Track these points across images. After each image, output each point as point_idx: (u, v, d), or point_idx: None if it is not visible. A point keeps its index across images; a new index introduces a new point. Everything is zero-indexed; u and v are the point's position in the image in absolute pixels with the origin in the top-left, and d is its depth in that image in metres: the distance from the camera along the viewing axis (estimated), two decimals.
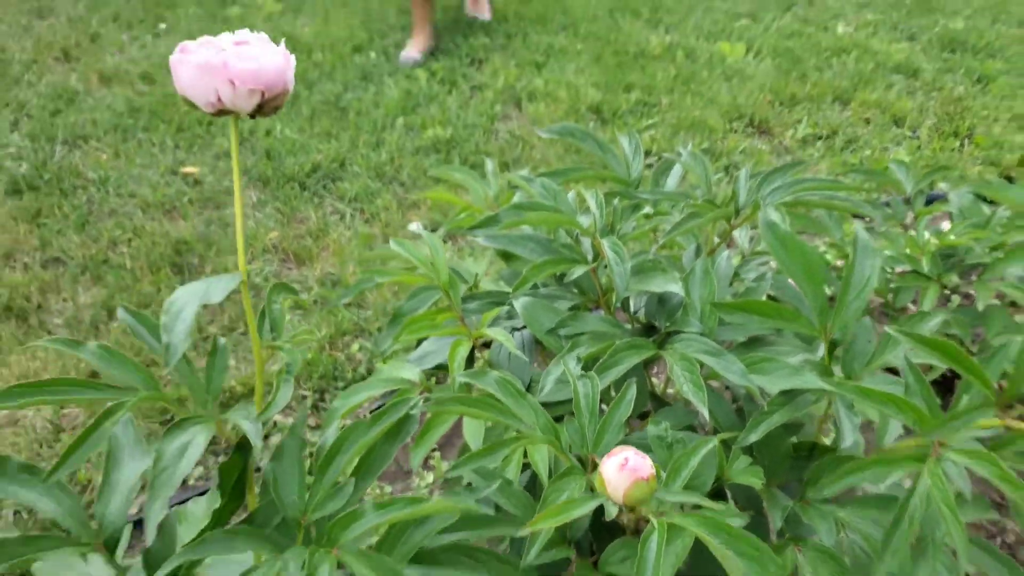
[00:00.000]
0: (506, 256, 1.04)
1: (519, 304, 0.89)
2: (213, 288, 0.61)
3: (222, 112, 0.59)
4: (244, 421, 0.61)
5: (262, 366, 0.69)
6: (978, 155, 2.25)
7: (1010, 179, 2.19)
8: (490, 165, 1.15)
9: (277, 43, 0.61)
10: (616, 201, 0.96)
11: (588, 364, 0.82)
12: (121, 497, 0.69)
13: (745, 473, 0.78)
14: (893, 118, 2.39)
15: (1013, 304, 1.39)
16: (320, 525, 0.63)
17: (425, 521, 0.64)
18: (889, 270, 1.31)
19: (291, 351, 0.66)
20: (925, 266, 1.24)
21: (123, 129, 2.14)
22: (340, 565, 0.59)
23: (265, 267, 1.68)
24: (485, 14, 2.90)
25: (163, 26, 2.70)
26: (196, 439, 0.61)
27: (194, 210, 1.84)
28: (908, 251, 1.27)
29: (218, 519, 0.68)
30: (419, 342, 0.97)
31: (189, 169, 1.97)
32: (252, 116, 0.60)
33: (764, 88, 2.47)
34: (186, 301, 0.61)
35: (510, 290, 0.94)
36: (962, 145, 2.29)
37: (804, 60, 2.68)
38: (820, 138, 2.26)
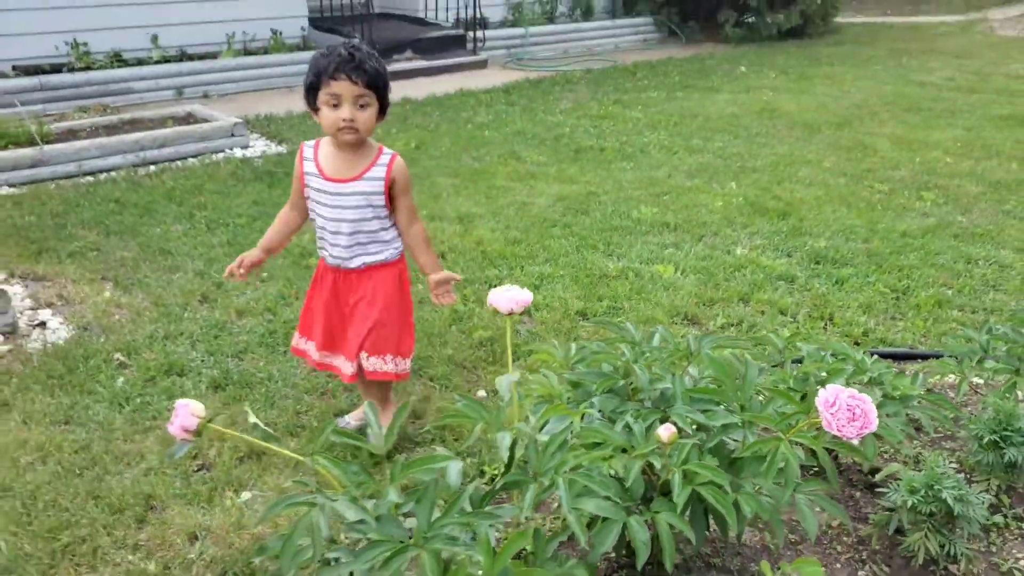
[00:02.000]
0: (574, 385, 2.05)
1: (597, 399, 1.91)
2: (511, 377, 1.62)
3: (511, 313, 1.64)
4: (526, 428, 1.59)
5: (516, 413, 1.68)
6: (836, 331, 3.40)
7: (857, 343, 3.33)
8: (556, 343, 2.19)
9: None
10: (632, 350, 2.02)
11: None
12: (456, 472, 1.64)
13: (709, 460, 1.79)
14: (779, 310, 3.56)
15: None
16: (547, 471, 1.60)
17: (592, 473, 1.62)
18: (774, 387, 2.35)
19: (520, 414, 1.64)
20: (791, 384, 2.30)
21: (268, 345, 3.15)
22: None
23: None
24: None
25: (265, 275, 3.78)
26: (506, 436, 1.59)
27: (340, 391, 2.82)
28: (784, 378, 2.33)
29: (505, 474, 1.63)
30: (544, 423, 1.96)
31: None
32: (520, 314, 1.64)
33: (691, 294, 3.64)
34: (503, 381, 1.61)
35: (588, 397, 1.96)
36: (826, 325, 3.46)
37: (716, 274, 3.89)
38: (732, 325, 3.40)
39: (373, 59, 2.28)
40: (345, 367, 2.50)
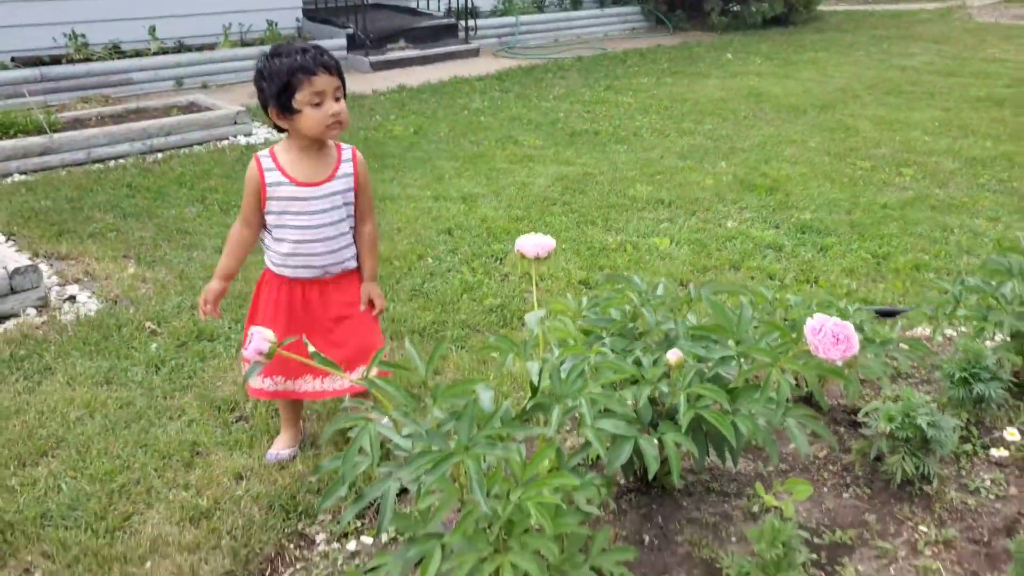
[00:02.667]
0: (586, 332, 2.27)
1: (608, 340, 2.13)
2: (539, 313, 1.82)
3: (537, 258, 1.84)
4: (554, 360, 1.80)
5: (543, 344, 1.89)
6: (822, 291, 3.63)
7: None
8: (571, 296, 2.40)
9: None
10: (639, 296, 2.24)
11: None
12: (488, 398, 1.84)
13: (710, 384, 2.01)
14: (768, 275, 3.79)
15: None
16: (571, 395, 1.81)
17: (611, 394, 1.84)
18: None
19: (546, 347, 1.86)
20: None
21: None
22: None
23: None
24: None
25: None
26: (535, 364, 1.80)
27: None
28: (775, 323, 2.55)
29: (532, 398, 1.84)
30: (562, 361, 2.18)
31: None
32: (544, 259, 1.85)
33: (686, 263, 3.87)
34: (531, 317, 1.82)
35: (600, 340, 2.18)
36: (812, 286, 3.69)
37: (708, 245, 4.11)
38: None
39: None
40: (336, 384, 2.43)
